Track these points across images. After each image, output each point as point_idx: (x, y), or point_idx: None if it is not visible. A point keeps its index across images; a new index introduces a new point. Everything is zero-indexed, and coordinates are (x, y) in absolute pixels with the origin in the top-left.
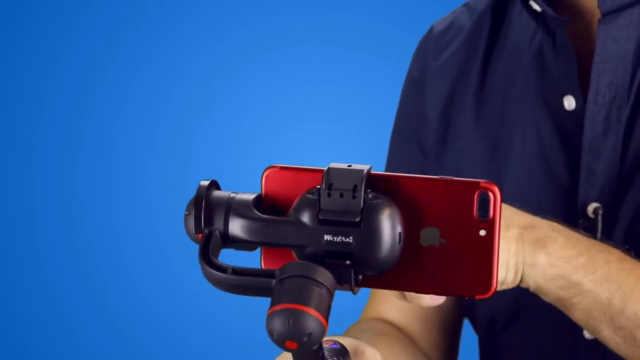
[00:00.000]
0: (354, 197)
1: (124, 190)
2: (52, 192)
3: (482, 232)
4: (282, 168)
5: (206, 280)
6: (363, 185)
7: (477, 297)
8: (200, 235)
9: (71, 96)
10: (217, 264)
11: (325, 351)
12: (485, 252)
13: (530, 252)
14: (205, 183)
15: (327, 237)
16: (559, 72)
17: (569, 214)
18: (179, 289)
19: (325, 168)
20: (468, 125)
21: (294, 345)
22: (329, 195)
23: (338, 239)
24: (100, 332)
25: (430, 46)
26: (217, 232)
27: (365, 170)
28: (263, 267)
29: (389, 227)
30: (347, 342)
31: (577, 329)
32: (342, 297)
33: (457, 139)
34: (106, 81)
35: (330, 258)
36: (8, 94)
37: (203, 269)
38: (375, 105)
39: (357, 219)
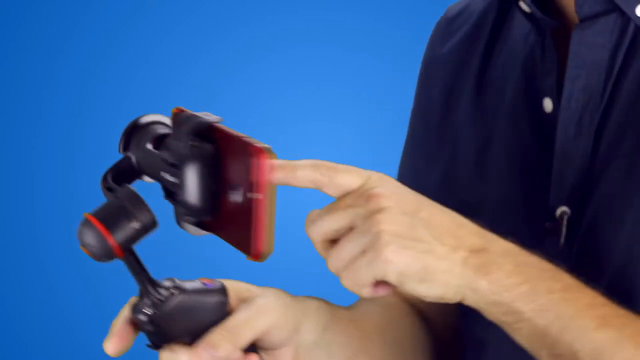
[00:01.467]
0: (182, 141)
1: None
2: (52, 192)
3: (253, 195)
4: (179, 111)
5: None
6: (190, 132)
7: (248, 257)
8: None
9: (71, 96)
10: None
11: (190, 287)
12: (253, 215)
13: (472, 278)
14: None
15: (163, 174)
16: (542, 73)
17: (540, 215)
18: None
19: (182, 114)
20: (465, 116)
21: (85, 250)
22: (173, 137)
23: (168, 177)
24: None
25: (439, 32)
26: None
27: (200, 120)
28: None
29: (202, 177)
30: (235, 285)
31: None
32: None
33: (453, 128)
34: (106, 81)
35: (168, 196)
36: (8, 94)
37: None
38: (375, 105)
39: (178, 162)
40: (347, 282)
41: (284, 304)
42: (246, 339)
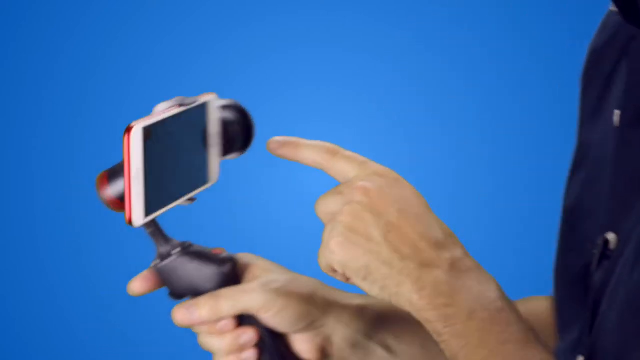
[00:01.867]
0: None
1: None
2: (52, 192)
3: (125, 169)
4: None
5: None
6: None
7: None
8: None
9: (71, 96)
10: None
11: (195, 250)
12: (125, 186)
13: (408, 290)
14: None
15: None
16: (622, 83)
17: (596, 235)
18: None
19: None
20: (584, 117)
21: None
22: None
23: None
24: (101, 332)
25: (603, 21)
26: None
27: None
28: None
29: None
30: (259, 263)
31: None
32: None
33: (579, 129)
34: (106, 81)
35: None
36: (8, 94)
37: None
38: (375, 105)
39: None
40: (320, 263)
41: (292, 293)
42: (225, 310)
